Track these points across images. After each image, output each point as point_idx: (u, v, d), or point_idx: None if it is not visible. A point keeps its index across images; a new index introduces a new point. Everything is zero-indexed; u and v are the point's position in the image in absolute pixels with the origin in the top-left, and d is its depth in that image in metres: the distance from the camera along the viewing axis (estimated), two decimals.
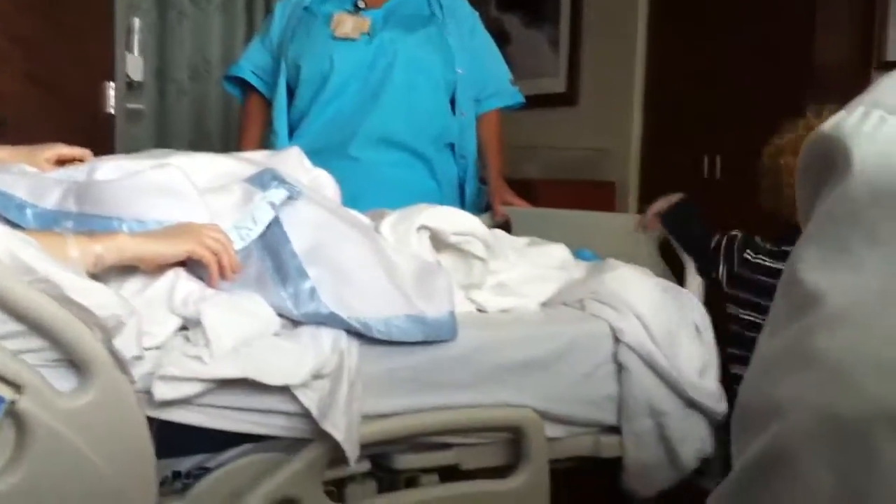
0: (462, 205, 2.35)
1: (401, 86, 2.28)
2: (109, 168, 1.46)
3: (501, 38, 4.20)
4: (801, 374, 0.42)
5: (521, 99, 2.60)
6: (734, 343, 1.78)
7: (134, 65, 3.68)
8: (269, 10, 3.60)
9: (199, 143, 3.94)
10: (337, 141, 2.25)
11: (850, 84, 3.20)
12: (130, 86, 3.67)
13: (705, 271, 1.82)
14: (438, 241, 1.65)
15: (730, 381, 1.71)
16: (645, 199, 3.57)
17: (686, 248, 1.84)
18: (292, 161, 1.69)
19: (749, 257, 1.79)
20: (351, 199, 1.91)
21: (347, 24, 2.27)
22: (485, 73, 2.48)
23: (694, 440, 1.64)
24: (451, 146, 2.40)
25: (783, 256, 1.65)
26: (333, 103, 2.25)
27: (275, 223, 1.43)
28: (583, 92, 3.88)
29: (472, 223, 1.65)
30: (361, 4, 2.32)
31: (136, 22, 3.71)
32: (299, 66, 2.29)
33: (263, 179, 1.47)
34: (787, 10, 3.15)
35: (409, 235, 1.61)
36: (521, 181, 3.65)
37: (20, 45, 3.13)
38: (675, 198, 1.93)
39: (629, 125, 3.69)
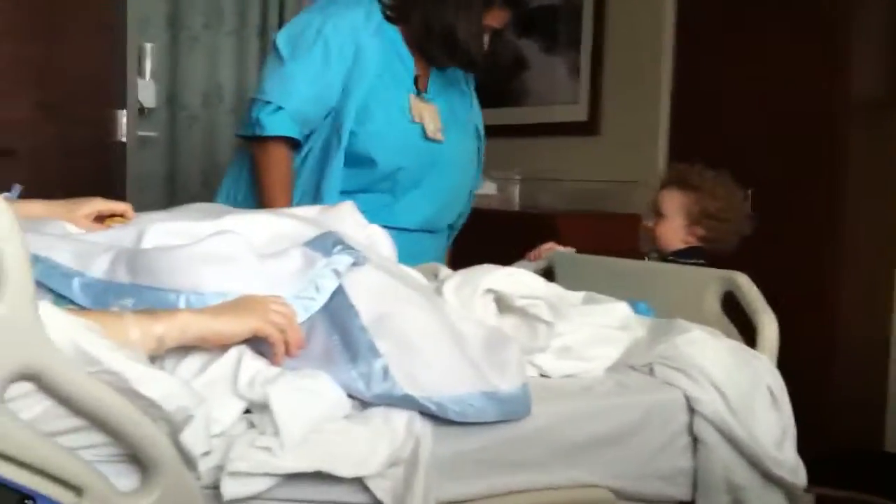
0: None
1: (460, 185, 2.32)
2: (159, 232, 1.36)
3: (520, 64, 4.13)
4: None
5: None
6: None
7: (146, 91, 3.59)
8: None
9: (211, 171, 3.84)
10: (385, 221, 2.15)
11: (883, 118, 3.14)
12: (142, 112, 3.58)
13: None
14: (502, 304, 1.56)
15: None
16: None
17: None
18: (347, 216, 1.60)
19: None
20: None
21: (429, 121, 2.17)
22: None
23: None
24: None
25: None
26: (401, 200, 2.17)
27: (338, 292, 1.34)
28: (605, 121, 3.80)
29: (537, 285, 1.57)
30: (419, 83, 2.23)
31: (148, 47, 3.63)
32: (373, 158, 2.11)
33: (325, 243, 1.38)
34: (820, 41, 3.08)
35: (474, 299, 1.51)
36: (540, 214, 3.58)
37: (30, 72, 3.04)
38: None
39: (654, 155, 3.61)
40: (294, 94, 2.09)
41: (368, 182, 2.14)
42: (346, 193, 2.09)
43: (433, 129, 2.19)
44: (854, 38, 3.03)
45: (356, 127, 2.11)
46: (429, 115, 2.20)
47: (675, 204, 2.28)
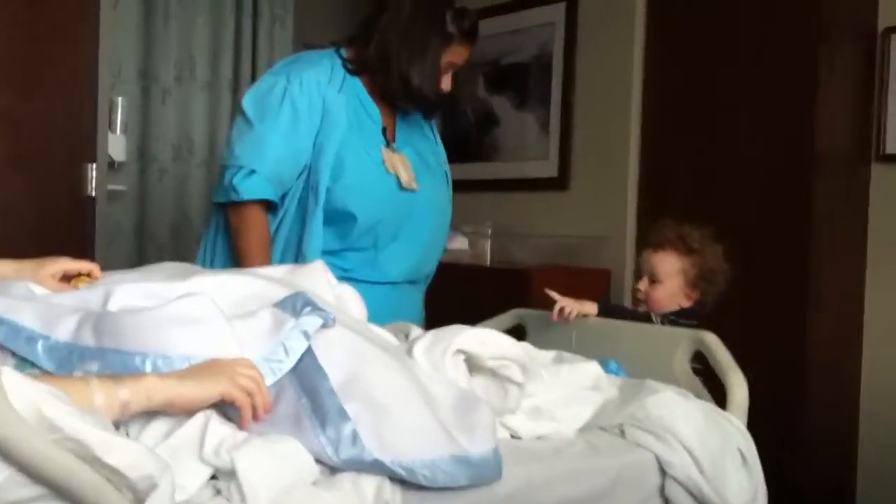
0: None
1: (435, 232, 2.33)
2: (127, 293, 1.35)
3: (490, 120, 4.17)
4: None
5: None
6: None
7: (116, 145, 3.58)
8: None
9: (182, 224, 3.82)
10: (372, 276, 2.19)
11: (850, 174, 3.18)
12: (112, 166, 3.57)
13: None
14: (472, 364, 1.56)
15: None
16: None
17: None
18: (317, 276, 1.59)
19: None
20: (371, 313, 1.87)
21: (402, 171, 2.19)
22: None
23: None
24: None
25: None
26: (383, 252, 2.19)
27: (307, 353, 1.32)
28: (574, 176, 3.83)
29: (508, 346, 1.56)
30: (388, 135, 2.26)
31: (119, 101, 3.62)
32: (352, 213, 2.12)
33: (295, 304, 1.37)
34: (787, 98, 3.13)
35: (445, 360, 1.51)
36: (512, 269, 3.59)
37: (1, 125, 3.01)
38: (588, 305, 2.14)
39: (623, 210, 3.63)
40: (266, 156, 2.09)
41: (350, 239, 2.14)
42: (328, 253, 2.11)
43: (407, 178, 2.21)
44: (822, 95, 3.08)
45: (331, 183, 2.11)
46: (401, 164, 2.22)
47: (672, 268, 2.24)
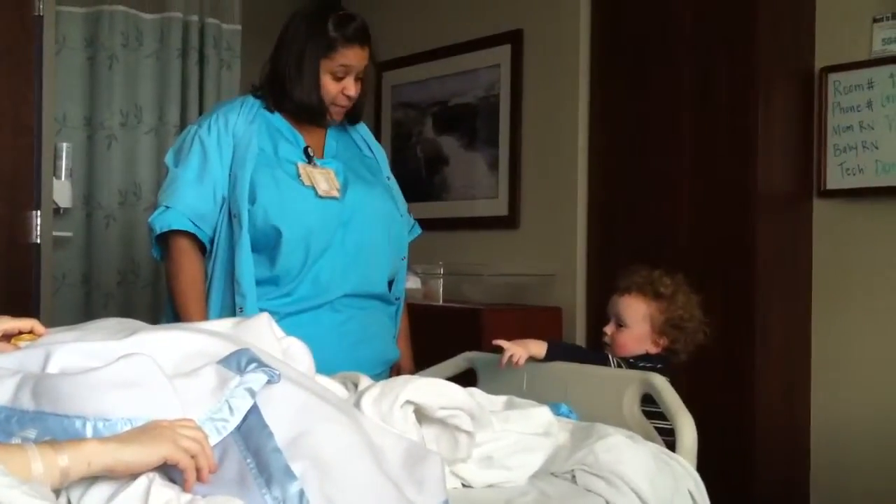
0: None
1: (375, 242, 2.29)
2: (67, 354, 1.32)
3: (439, 160, 4.19)
4: None
5: (419, 230, 2.61)
6: None
7: (62, 191, 3.54)
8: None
9: (128, 270, 3.77)
10: (320, 300, 2.18)
11: (792, 211, 3.24)
12: (57, 212, 3.52)
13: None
14: (422, 414, 1.55)
15: None
16: (593, 325, 3.53)
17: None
18: (262, 329, 1.57)
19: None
20: (326, 346, 1.92)
21: (321, 182, 2.19)
22: None
23: None
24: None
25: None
26: (317, 264, 2.18)
27: (252, 411, 1.31)
28: (524, 215, 3.85)
29: (457, 395, 1.56)
30: (311, 152, 2.26)
31: (65, 147, 3.59)
32: (277, 227, 2.14)
33: (240, 361, 1.35)
34: (729, 137, 3.19)
35: (394, 411, 1.50)
36: (465, 308, 3.59)
37: None
38: (534, 346, 2.14)
39: (573, 248, 3.66)
40: (178, 194, 2.17)
41: (281, 260, 2.15)
42: (265, 283, 2.14)
43: (326, 187, 2.22)
44: (762, 134, 3.13)
45: (250, 206, 2.15)
46: (320, 176, 2.24)
47: (639, 313, 2.22)
